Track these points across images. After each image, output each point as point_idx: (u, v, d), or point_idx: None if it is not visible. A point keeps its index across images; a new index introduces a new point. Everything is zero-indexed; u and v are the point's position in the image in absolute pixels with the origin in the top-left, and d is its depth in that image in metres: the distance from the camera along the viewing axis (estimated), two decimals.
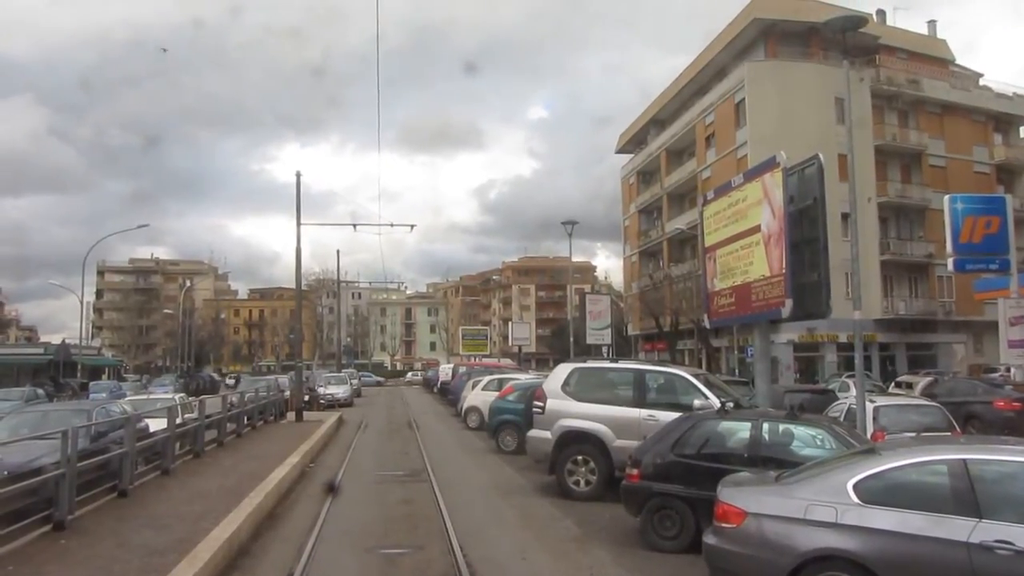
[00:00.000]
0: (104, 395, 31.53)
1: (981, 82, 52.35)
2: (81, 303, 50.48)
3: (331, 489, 12.86)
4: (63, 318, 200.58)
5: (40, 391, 31.57)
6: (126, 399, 20.55)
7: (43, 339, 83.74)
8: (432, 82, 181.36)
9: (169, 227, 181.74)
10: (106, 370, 62.18)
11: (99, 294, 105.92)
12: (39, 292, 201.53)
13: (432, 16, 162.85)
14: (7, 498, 8.18)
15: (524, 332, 69.48)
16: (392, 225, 42.68)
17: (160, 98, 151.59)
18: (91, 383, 42.29)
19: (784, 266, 13.91)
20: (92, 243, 57.00)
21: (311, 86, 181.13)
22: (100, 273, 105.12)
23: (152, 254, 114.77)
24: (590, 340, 44.61)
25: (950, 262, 27.87)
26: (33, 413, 14.51)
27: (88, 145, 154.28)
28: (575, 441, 12.71)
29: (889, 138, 44.89)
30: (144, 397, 23.15)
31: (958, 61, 52.27)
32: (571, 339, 44.36)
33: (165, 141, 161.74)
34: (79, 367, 46.99)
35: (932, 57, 49.62)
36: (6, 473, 8.86)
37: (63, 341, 57.31)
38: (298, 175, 28.90)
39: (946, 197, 28.69)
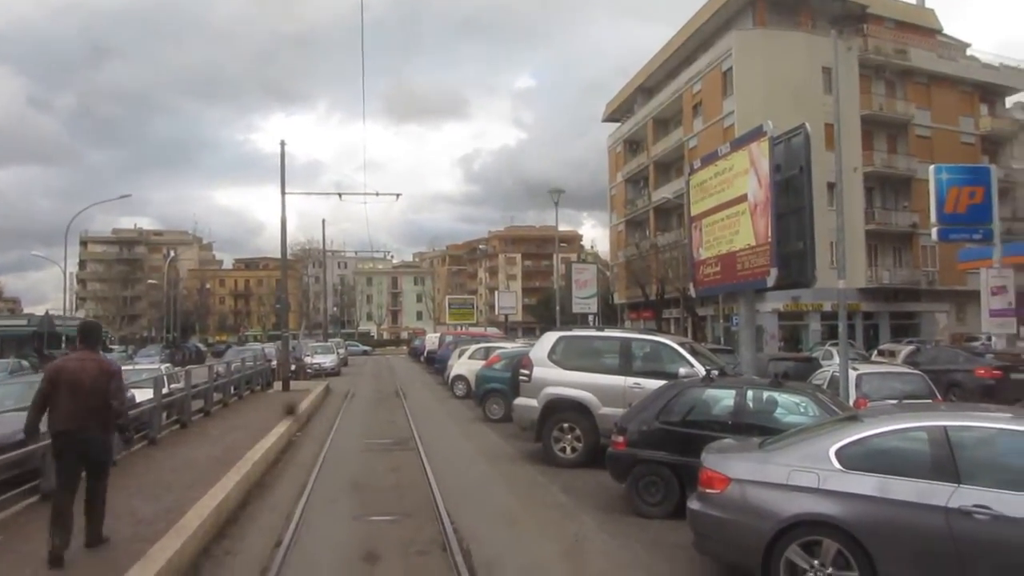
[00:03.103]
0: None
1: (968, 52, 52.37)
2: (64, 274, 50.23)
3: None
4: (45, 289, 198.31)
5: (25, 363, 31.39)
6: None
7: (26, 310, 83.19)
8: (418, 52, 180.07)
9: (152, 197, 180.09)
10: None
11: (82, 265, 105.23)
12: (21, 263, 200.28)
13: None
14: None
15: (510, 301, 69.64)
16: (377, 194, 42.73)
17: (143, 68, 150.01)
18: None
19: (770, 235, 13.97)
20: (74, 214, 56.37)
21: (296, 56, 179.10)
22: (83, 244, 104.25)
23: (135, 224, 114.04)
24: (576, 309, 44.70)
25: (934, 232, 28.00)
26: (18, 384, 14.40)
27: (70, 115, 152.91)
28: (561, 409, 12.80)
29: (876, 108, 44.94)
30: (130, 368, 23.07)
31: (945, 31, 52.22)
32: (557, 308, 44.37)
33: (148, 111, 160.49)
34: (63, 338, 46.65)
35: (920, 27, 49.53)
36: None
37: (47, 312, 56.78)
38: (283, 144, 28.68)
39: (931, 167, 28.76)
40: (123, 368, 16.75)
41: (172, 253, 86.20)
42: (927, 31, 50.09)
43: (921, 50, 47.55)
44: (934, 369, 18.83)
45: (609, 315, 59.32)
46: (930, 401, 12.66)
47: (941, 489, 5.56)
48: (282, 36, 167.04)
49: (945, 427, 5.89)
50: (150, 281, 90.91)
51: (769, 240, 14.01)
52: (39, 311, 63.94)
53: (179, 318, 70.41)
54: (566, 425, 12.71)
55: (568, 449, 12.67)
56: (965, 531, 5.38)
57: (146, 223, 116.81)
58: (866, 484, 5.81)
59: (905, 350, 27.74)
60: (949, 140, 46.01)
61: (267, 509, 9.76)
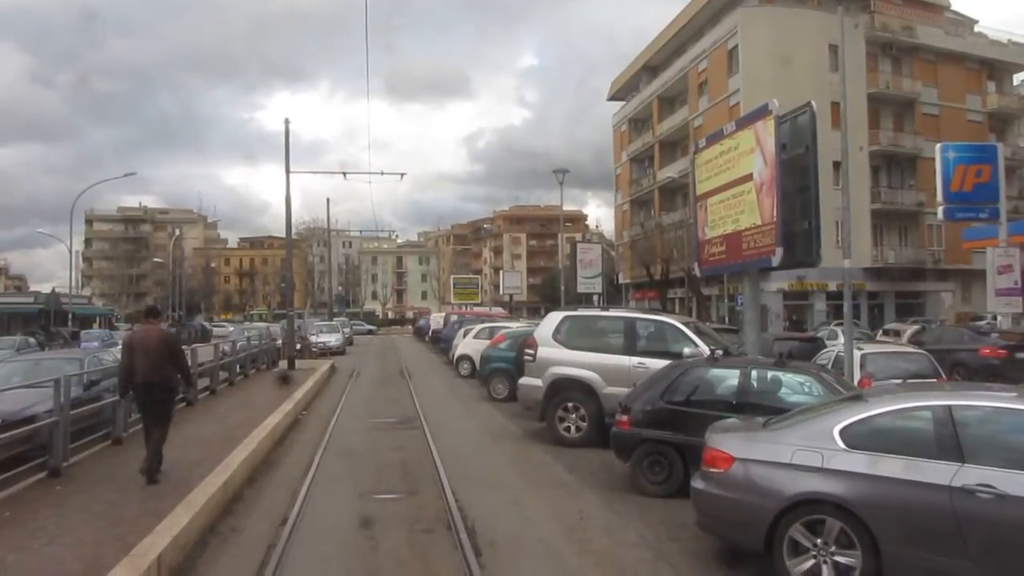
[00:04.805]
0: (96, 344, 31.55)
1: (976, 28, 51.87)
2: (70, 252, 50.36)
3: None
4: (51, 267, 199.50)
5: (32, 340, 31.53)
6: (117, 347, 20.55)
7: (32, 288, 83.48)
8: (422, 30, 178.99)
9: (157, 176, 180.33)
10: (97, 319, 62.09)
11: (88, 243, 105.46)
12: (27, 241, 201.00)
13: None
14: (2, 445, 8.24)
15: (515, 281, 69.61)
16: (382, 173, 42.73)
17: (147, 45, 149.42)
18: (82, 332, 42.25)
19: (775, 214, 13.91)
20: (79, 192, 56.38)
21: (300, 34, 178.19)
22: (88, 222, 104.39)
23: (140, 203, 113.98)
24: (581, 289, 44.69)
25: (940, 211, 27.85)
26: (25, 362, 14.50)
27: (73, 93, 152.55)
28: (566, 388, 12.82)
29: (883, 86, 44.60)
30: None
31: (953, 7, 51.73)
32: (562, 288, 44.45)
33: (152, 89, 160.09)
34: (70, 316, 46.89)
35: (927, 3, 49.10)
36: (0, 421, 8.90)
37: (53, 290, 57.15)
38: (287, 123, 28.57)
39: (938, 145, 28.57)
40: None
41: (177, 232, 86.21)
42: (935, 8, 49.64)
43: (928, 27, 47.10)
44: (939, 349, 18.77)
45: (614, 295, 59.30)
46: (935, 380, 12.66)
47: (945, 468, 5.56)
48: (286, 13, 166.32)
49: (949, 406, 5.89)
50: (155, 259, 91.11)
51: (774, 219, 13.95)
52: (45, 289, 64.41)
53: (184, 296, 70.59)
54: (571, 405, 12.73)
55: (572, 428, 12.70)
56: (969, 510, 5.39)
57: (151, 201, 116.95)
58: (870, 463, 5.81)
59: (910, 330, 27.69)
60: (956, 118, 45.66)
61: (273, 486, 9.82)
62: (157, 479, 8.79)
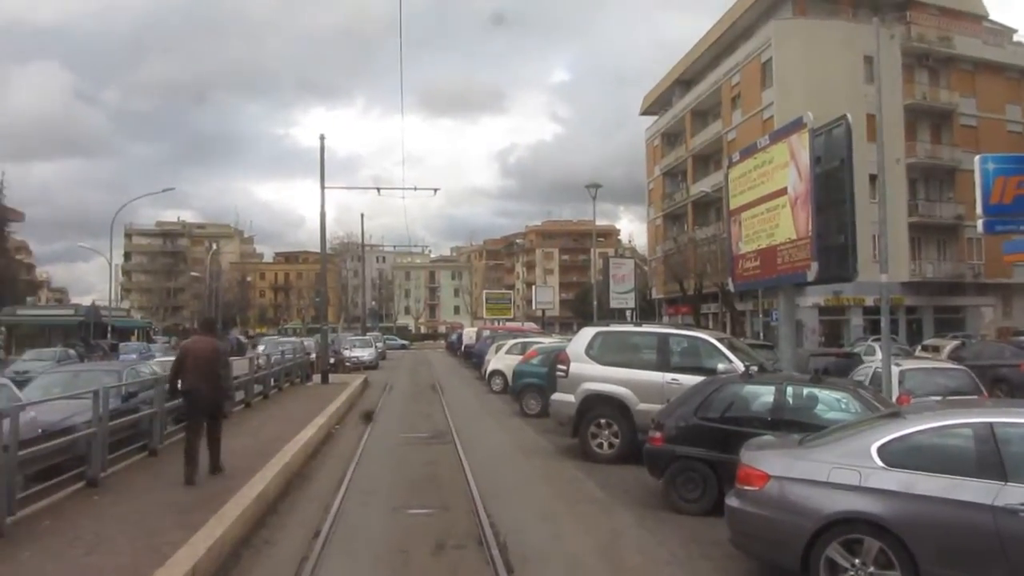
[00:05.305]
0: (134, 356, 32.02)
1: (1016, 38, 50.99)
2: (110, 265, 51.21)
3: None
4: (92, 280, 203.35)
5: (71, 352, 32.06)
6: (155, 360, 20.84)
7: (73, 301, 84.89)
8: (455, 46, 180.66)
9: (195, 191, 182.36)
10: (135, 331, 63.02)
11: (127, 256, 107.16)
12: (68, 254, 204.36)
13: None
14: (42, 455, 8.38)
15: (547, 296, 69.52)
16: (415, 189, 42.70)
17: (186, 63, 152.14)
18: (121, 344, 42.90)
19: (810, 229, 13.78)
20: (119, 206, 57.48)
21: (335, 51, 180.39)
22: (128, 236, 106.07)
23: (179, 217, 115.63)
24: (614, 304, 44.52)
25: (980, 223, 27.18)
26: (65, 373, 14.75)
27: (115, 110, 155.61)
28: (598, 404, 12.75)
29: (919, 97, 44.00)
30: (173, 358, 23.43)
31: (991, 17, 50.92)
32: (595, 303, 44.36)
33: (190, 105, 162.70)
34: (109, 328, 47.64)
35: (965, 13, 48.26)
36: (40, 431, 9.05)
37: (93, 303, 58.10)
38: (322, 139, 28.98)
39: (976, 157, 27.95)
40: (167, 358, 17.38)
41: (214, 246, 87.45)
42: (972, 17, 48.82)
43: (966, 37, 46.34)
44: (979, 364, 18.43)
45: (647, 310, 59.00)
46: (975, 397, 12.41)
47: (987, 487, 5.44)
48: (322, 31, 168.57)
49: (991, 423, 5.77)
50: (192, 273, 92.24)
51: (810, 234, 13.81)
52: (86, 301, 65.53)
53: (220, 310, 71.38)
54: (603, 421, 12.66)
55: (605, 445, 12.62)
56: (1012, 530, 5.27)
57: (189, 216, 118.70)
58: (909, 482, 5.71)
59: (950, 345, 27.20)
60: (996, 129, 44.84)
61: (306, 499, 9.88)
62: (221, 467, 10.00)
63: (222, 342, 12.38)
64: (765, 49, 44.85)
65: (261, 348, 30.43)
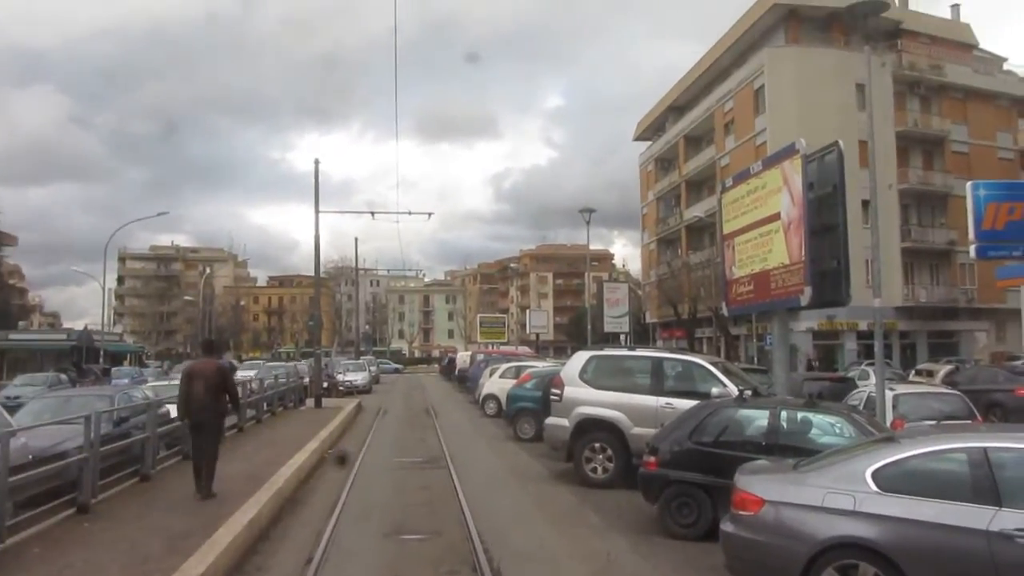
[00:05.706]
0: (126, 381, 31.83)
1: (1005, 66, 51.68)
2: (103, 289, 50.85)
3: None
4: (85, 304, 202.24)
5: (63, 376, 31.95)
6: (148, 385, 20.75)
7: (66, 325, 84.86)
8: (449, 71, 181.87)
9: (189, 215, 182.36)
10: (128, 356, 62.80)
11: (120, 281, 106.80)
12: (61, 278, 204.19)
13: (448, 4, 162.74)
14: (32, 481, 8.31)
15: (542, 320, 69.38)
16: (410, 213, 43.08)
17: (179, 88, 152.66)
18: (113, 369, 42.75)
19: (803, 254, 13.80)
20: (113, 230, 57.40)
21: (329, 76, 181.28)
22: (121, 260, 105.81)
23: (172, 241, 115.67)
24: (608, 328, 44.53)
25: (972, 249, 27.44)
26: (56, 398, 14.66)
27: (109, 134, 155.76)
28: (592, 428, 12.73)
29: (911, 124, 44.43)
30: (165, 383, 23.34)
31: (982, 45, 51.53)
32: (589, 327, 44.33)
33: (185, 130, 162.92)
34: (101, 353, 47.48)
35: (955, 42, 48.91)
36: (31, 457, 8.98)
37: (85, 327, 57.91)
38: (316, 163, 29.02)
39: (968, 183, 28.24)
40: (159, 383, 17.35)
41: (208, 270, 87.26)
42: (963, 46, 49.43)
43: (957, 65, 46.92)
44: (974, 389, 18.44)
45: (641, 334, 59.00)
46: (970, 422, 12.41)
47: (981, 512, 5.44)
48: (316, 56, 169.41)
49: (985, 448, 5.77)
50: (186, 297, 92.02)
51: (803, 258, 13.84)
52: (78, 326, 65.33)
53: (213, 334, 71.17)
54: (597, 445, 12.63)
55: (599, 469, 12.58)
56: (1007, 555, 5.26)
57: (183, 240, 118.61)
58: (903, 507, 5.70)
59: (944, 370, 27.24)
60: (987, 156, 45.28)
61: (299, 525, 9.81)
62: (213, 493, 9.99)
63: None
64: (758, 76, 45.26)
65: (251, 374, 29.57)
